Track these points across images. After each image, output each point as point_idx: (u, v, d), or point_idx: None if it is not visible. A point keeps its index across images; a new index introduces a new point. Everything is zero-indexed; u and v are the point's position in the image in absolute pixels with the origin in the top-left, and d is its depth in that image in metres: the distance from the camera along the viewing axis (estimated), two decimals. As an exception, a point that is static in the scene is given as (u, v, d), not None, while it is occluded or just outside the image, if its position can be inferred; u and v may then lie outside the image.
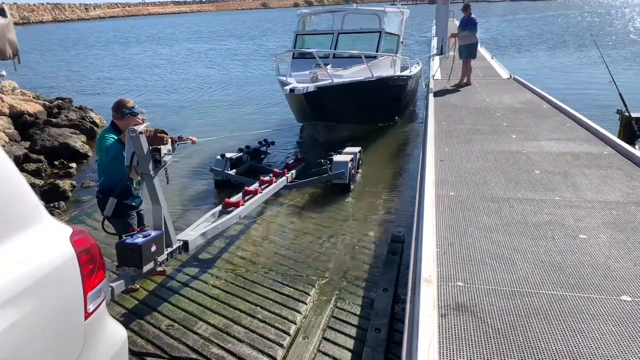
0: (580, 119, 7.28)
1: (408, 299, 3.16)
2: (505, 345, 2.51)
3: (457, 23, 12.30)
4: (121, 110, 4.17)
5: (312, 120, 8.76)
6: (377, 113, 9.97)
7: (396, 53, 10.71)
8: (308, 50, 9.32)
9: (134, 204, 4.34)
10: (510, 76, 12.13)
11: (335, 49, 10.06)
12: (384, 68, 9.86)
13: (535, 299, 2.90)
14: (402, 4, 12.63)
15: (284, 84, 8.78)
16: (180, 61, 28.39)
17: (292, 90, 7.85)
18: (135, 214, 4.39)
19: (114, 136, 4.12)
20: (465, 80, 10.92)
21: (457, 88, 10.75)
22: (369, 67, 8.98)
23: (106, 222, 4.16)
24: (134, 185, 4.26)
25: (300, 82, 8.33)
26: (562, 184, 4.83)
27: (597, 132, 6.58)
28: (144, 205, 4.55)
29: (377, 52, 9.86)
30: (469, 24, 10.55)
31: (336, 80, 8.47)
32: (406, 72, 11.10)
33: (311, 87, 7.95)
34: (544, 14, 54.69)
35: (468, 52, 10.73)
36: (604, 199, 4.39)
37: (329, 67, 8.72)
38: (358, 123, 9.47)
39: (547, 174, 5.14)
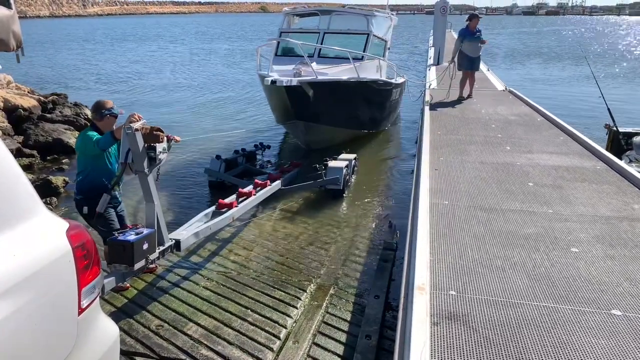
0: (574, 133, 7.35)
1: (401, 306, 3.17)
2: (496, 355, 2.51)
3: (455, 34, 12.13)
4: (100, 111, 4.18)
5: (292, 118, 8.33)
6: (359, 117, 9.65)
7: (382, 58, 10.47)
8: (293, 41, 8.91)
9: (111, 203, 4.30)
10: (506, 88, 12.22)
11: (320, 50, 9.63)
12: (370, 71, 9.57)
13: (526, 310, 2.92)
14: (399, 13, 12.47)
15: (264, 78, 8.06)
16: (201, 60, 28.46)
17: (273, 82, 7.38)
18: (113, 213, 4.36)
19: (96, 134, 4.13)
20: (469, 92, 10.67)
21: (460, 102, 10.44)
22: (356, 67, 8.61)
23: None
24: (114, 186, 4.24)
25: (283, 76, 7.81)
26: (555, 196, 4.87)
27: (590, 146, 6.65)
28: (125, 206, 4.57)
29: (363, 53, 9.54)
30: (479, 34, 10.26)
31: (320, 77, 8.08)
32: (392, 80, 10.77)
33: (294, 81, 7.55)
34: (539, 29, 55.23)
35: (478, 63, 10.51)
36: (596, 213, 4.43)
37: (313, 64, 8.28)
38: (339, 126, 9.07)
39: (540, 186, 5.18)
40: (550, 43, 38.19)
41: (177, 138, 4.41)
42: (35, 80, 19.34)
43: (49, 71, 23.14)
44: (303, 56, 8.36)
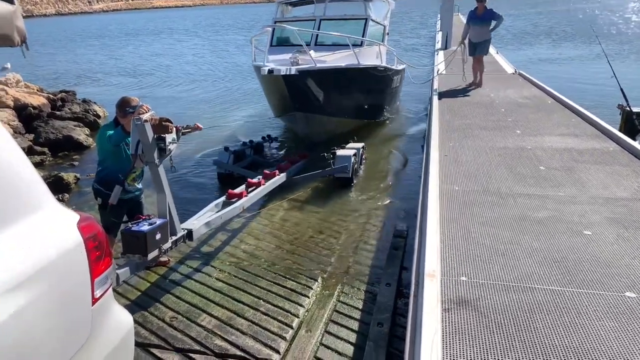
0: (586, 114, 7.25)
1: (412, 293, 3.17)
2: (508, 340, 2.51)
3: (463, 17, 11.76)
4: (124, 108, 4.16)
5: (291, 110, 7.90)
6: (362, 106, 9.32)
7: (382, 44, 10.16)
8: (290, 27, 8.31)
9: (124, 197, 4.34)
10: (515, 71, 12.06)
11: (317, 37, 9.17)
12: (370, 57, 9.23)
13: (538, 294, 2.90)
14: None
15: (260, 69, 7.57)
16: (220, 51, 28.50)
17: (270, 71, 6.87)
18: (124, 208, 4.41)
19: (112, 131, 4.18)
20: (478, 80, 10.29)
21: (469, 87, 10.22)
22: (356, 53, 8.19)
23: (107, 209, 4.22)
24: (128, 181, 4.27)
25: (280, 66, 7.34)
26: (567, 179, 4.81)
27: (602, 128, 6.55)
28: (143, 195, 4.65)
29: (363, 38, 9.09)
30: (490, 17, 9.76)
31: (319, 65, 7.66)
32: (392, 67, 10.34)
33: (293, 69, 7.10)
34: (550, 9, 54.35)
35: (484, 48, 10.04)
36: (609, 196, 4.37)
37: (311, 52, 7.85)
38: (341, 116, 8.70)
39: (551, 169, 5.12)
40: (561, 22, 37.56)
41: (200, 126, 4.43)
42: (57, 77, 19.88)
43: (74, 67, 23.59)
44: (299, 45, 7.99)
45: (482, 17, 9.83)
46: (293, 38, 9.13)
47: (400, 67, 11.00)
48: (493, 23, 9.84)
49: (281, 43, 9.47)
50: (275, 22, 9.73)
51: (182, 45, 33.12)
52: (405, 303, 3.94)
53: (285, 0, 10.49)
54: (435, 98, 9.12)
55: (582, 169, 5.09)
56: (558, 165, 5.24)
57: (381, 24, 10.31)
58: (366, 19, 9.42)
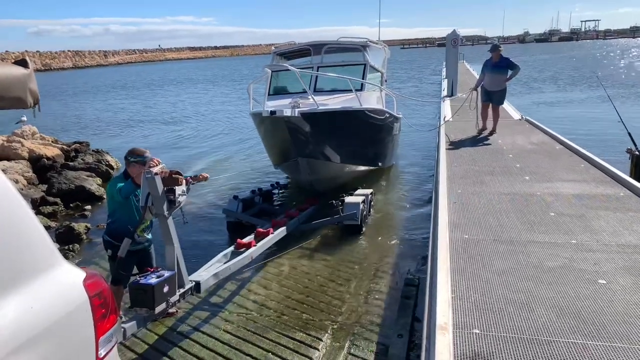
0: (595, 159, 7.24)
1: (423, 347, 3.09)
2: (525, 397, 2.42)
3: (467, 65, 11.84)
4: (127, 157, 4.24)
5: (293, 156, 7.47)
6: (366, 151, 8.97)
7: (383, 88, 10.01)
8: (292, 68, 7.70)
9: (133, 249, 4.33)
10: (522, 117, 12.16)
11: (315, 84, 8.75)
12: (371, 101, 8.84)
13: (555, 347, 2.81)
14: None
15: (258, 115, 7.23)
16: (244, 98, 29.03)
17: (272, 112, 6.56)
18: (134, 260, 4.40)
19: (122, 182, 4.22)
20: (492, 127, 10.23)
21: (478, 133, 10.19)
22: (358, 96, 7.84)
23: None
24: (137, 232, 4.28)
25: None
26: (578, 226, 4.76)
27: (612, 173, 6.52)
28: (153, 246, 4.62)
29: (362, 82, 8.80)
30: (506, 66, 9.77)
31: (322, 108, 7.29)
32: (394, 113, 9.94)
33: (296, 111, 6.71)
34: (552, 55, 55.34)
35: (500, 97, 10.03)
36: (623, 242, 4.31)
37: (312, 96, 7.42)
38: (345, 162, 8.28)
39: (562, 216, 5.07)
40: (565, 68, 38.20)
41: (205, 175, 4.47)
42: (74, 126, 20.38)
43: (113, 115, 24.34)
44: (297, 93, 7.73)
45: (497, 65, 9.84)
46: (290, 87, 9.06)
47: (399, 114, 10.69)
48: (509, 72, 9.84)
49: (278, 92, 9.26)
50: (272, 72, 9.05)
51: (212, 94, 33.84)
52: (418, 355, 3.84)
53: (281, 51, 10.20)
54: (442, 145, 9.18)
55: (593, 216, 5.04)
56: (568, 212, 5.19)
57: (379, 71, 10.21)
58: (365, 65, 9.26)
